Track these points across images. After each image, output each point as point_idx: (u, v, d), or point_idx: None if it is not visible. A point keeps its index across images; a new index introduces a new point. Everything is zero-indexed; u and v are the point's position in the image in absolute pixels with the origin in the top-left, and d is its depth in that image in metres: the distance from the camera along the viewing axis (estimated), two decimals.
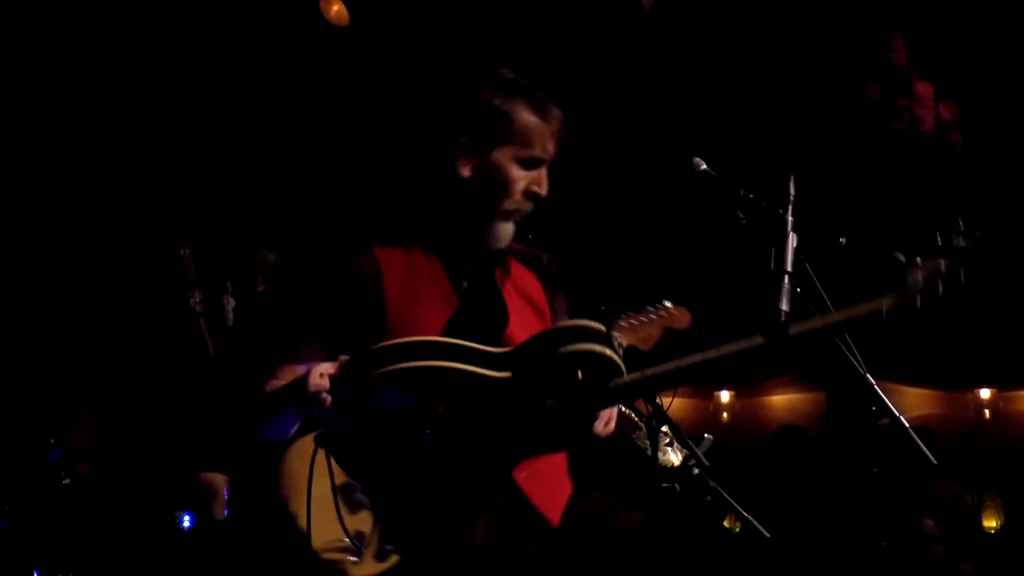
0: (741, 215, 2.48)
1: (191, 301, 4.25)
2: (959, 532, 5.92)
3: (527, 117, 2.27)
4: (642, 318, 3.40)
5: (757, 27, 6.94)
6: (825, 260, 2.40)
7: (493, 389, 2.00)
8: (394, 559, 2.05)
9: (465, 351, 2.00)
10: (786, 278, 2.31)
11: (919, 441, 2.30)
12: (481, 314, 2.26)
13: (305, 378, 2.07)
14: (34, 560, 4.98)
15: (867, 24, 7.36)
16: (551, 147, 2.29)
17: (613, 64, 6.74)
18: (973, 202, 7.23)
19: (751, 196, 2.48)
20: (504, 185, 2.26)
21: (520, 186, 2.26)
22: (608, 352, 1.98)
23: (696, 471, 3.54)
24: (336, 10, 6.15)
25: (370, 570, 2.04)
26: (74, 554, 5.18)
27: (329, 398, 2.04)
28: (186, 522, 5.26)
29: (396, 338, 2.05)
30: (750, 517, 3.44)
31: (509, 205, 2.27)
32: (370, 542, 2.06)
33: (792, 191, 2.43)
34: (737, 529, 6.60)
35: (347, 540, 2.04)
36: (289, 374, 2.19)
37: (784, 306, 2.28)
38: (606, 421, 2.11)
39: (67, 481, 5.02)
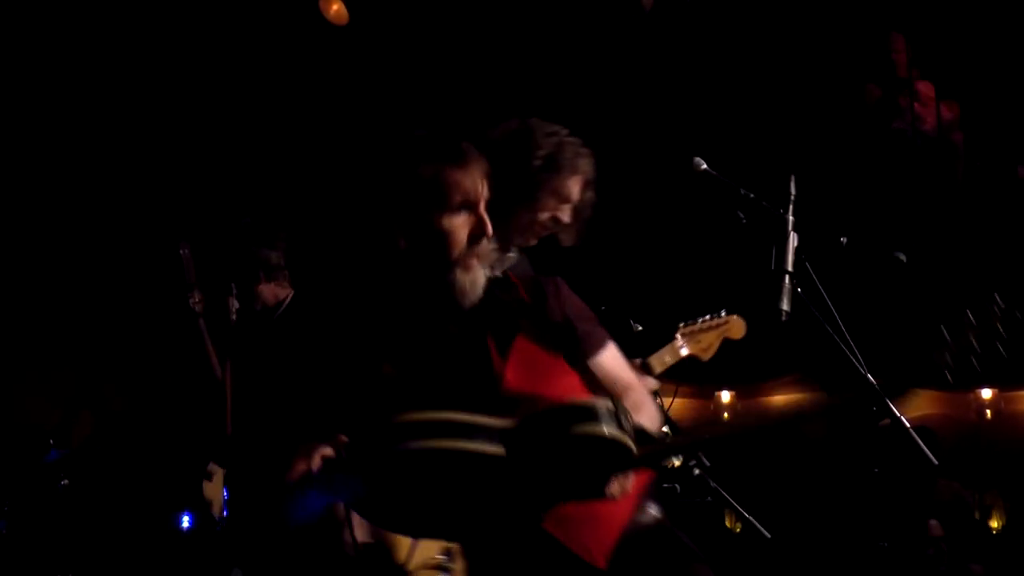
0: (742, 215, 2.47)
1: (190, 301, 4.25)
2: (961, 532, 5.92)
3: (443, 171, 2.24)
4: (702, 327, 3.41)
5: (757, 27, 6.94)
6: (826, 259, 2.39)
7: (495, 466, 1.98)
8: None
9: (464, 427, 1.98)
10: (787, 278, 2.30)
11: (920, 441, 2.29)
12: (467, 372, 2.23)
13: (310, 465, 2.09)
14: (33, 561, 4.98)
15: (867, 24, 7.35)
16: (477, 188, 2.26)
17: (613, 64, 6.73)
18: (972, 201, 7.23)
19: (752, 196, 2.47)
20: (443, 240, 2.24)
21: (461, 235, 2.24)
22: (616, 435, 1.95)
23: (697, 471, 3.53)
24: (335, 9, 6.15)
25: None
26: (74, 554, 5.17)
27: (336, 481, 2.07)
28: (186, 522, 5.26)
29: (394, 408, 2.04)
30: (751, 517, 3.44)
31: (458, 255, 2.25)
32: (459, 557, 2.11)
33: (793, 191, 2.42)
34: (738, 529, 6.59)
35: (439, 557, 2.11)
36: (303, 461, 2.17)
37: (785, 306, 2.28)
38: (622, 483, 2.08)
39: (66, 482, 5.01)
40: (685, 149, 2.64)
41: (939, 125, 7.28)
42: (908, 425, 2.27)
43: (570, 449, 1.96)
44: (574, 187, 2.97)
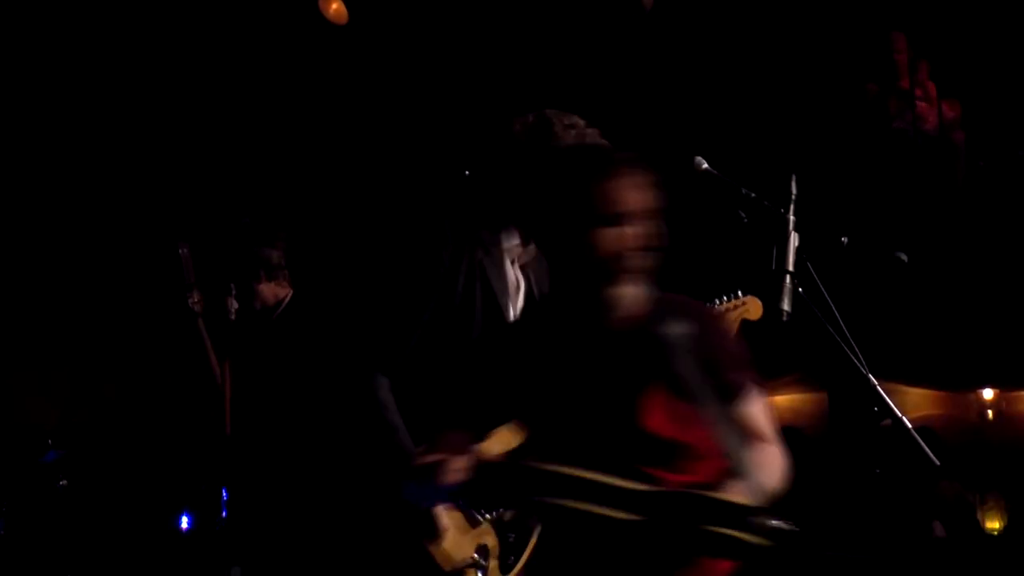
0: (743, 214, 2.47)
1: (190, 301, 4.25)
2: (962, 532, 5.91)
3: (591, 183, 2.23)
4: (721, 310, 3.42)
5: (758, 26, 6.93)
6: (827, 259, 2.38)
7: (621, 527, 2.04)
8: (518, 568, 2.21)
9: (601, 490, 2.02)
10: (788, 277, 2.29)
11: (921, 442, 2.28)
12: (608, 404, 2.21)
13: (443, 467, 2.11)
14: (32, 561, 4.98)
15: (868, 23, 7.34)
16: (626, 199, 2.20)
17: (613, 63, 6.72)
18: (973, 201, 7.22)
19: (753, 195, 2.46)
20: (591, 254, 2.20)
21: (609, 248, 2.19)
22: (746, 538, 2.00)
23: None
24: (335, 8, 6.13)
25: None
26: (73, 555, 5.17)
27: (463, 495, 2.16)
28: (185, 522, 5.26)
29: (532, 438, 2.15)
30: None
31: (606, 269, 2.20)
32: (493, 554, 2.21)
33: (794, 190, 2.41)
34: None
35: (475, 556, 2.21)
36: (436, 457, 2.17)
37: (786, 306, 2.27)
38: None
39: (64, 482, 5.01)
40: (686, 148, 2.63)
41: (940, 125, 7.27)
42: (909, 425, 2.27)
43: (699, 536, 2.02)
44: None
